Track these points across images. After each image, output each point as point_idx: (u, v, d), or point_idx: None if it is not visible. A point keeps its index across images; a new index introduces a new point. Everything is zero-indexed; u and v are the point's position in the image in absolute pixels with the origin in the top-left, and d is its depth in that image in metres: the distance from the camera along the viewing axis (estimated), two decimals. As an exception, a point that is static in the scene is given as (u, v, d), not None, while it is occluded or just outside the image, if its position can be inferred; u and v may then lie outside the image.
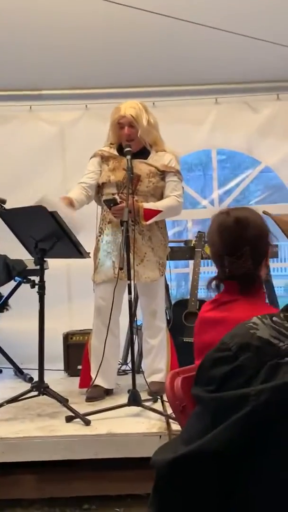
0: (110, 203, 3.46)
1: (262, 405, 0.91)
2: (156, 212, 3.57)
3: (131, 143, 3.56)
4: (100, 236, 3.72)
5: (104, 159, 3.71)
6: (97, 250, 3.72)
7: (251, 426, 0.91)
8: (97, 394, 3.60)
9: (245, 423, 0.91)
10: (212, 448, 0.92)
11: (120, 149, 3.68)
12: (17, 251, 3.86)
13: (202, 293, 4.27)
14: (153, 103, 4.66)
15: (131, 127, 3.56)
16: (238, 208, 1.95)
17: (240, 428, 0.91)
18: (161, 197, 3.67)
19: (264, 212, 1.85)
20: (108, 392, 3.67)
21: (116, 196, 3.50)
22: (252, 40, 4.19)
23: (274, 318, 1.05)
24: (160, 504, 1.00)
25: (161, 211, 3.59)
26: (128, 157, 3.46)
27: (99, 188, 3.72)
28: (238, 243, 1.85)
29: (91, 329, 4.34)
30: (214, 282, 1.95)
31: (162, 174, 3.65)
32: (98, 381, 3.62)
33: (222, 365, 0.99)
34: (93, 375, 3.64)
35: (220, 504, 0.95)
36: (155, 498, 1.00)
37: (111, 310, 3.51)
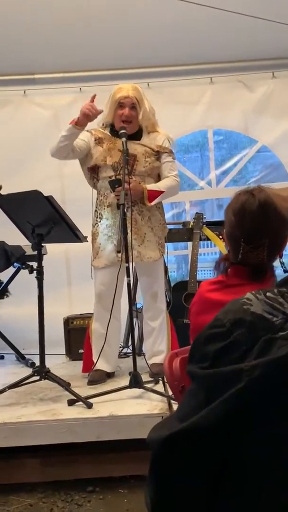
0: (115, 184, 3.44)
1: (256, 380, 0.91)
2: (159, 192, 3.58)
3: (128, 125, 3.51)
4: (99, 220, 3.68)
5: (98, 140, 3.65)
6: (96, 235, 3.69)
7: (245, 401, 0.91)
8: (98, 377, 3.61)
9: (239, 398, 0.91)
10: (206, 424, 0.92)
11: (112, 130, 3.64)
12: (15, 237, 3.84)
13: (200, 275, 4.27)
14: (148, 84, 4.64)
15: (132, 109, 3.53)
16: (263, 191, 1.74)
17: (234, 403, 0.91)
18: (157, 177, 3.66)
19: (259, 187, 1.79)
20: (109, 375, 3.69)
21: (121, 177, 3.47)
22: (246, 18, 4.14)
23: (268, 294, 1.04)
24: (157, 481, 1.00)
25: (164, 191, 3.59)
26: (124, 139, 3.43)
27: (94, 171, 3.68)
28: (258, 233, 1.71)
29: (91, 313, 4.35)
30: (222, 264, 1.84)
31: (157, 154, 3.63)
32: (100, 365, 3.63)
33: (216, 341, 0.99)
34: (94, 359, 3.65)
35: (216, 479, 0.95)
36: (152, 475, 1.00)
37: (114, 294, 3.47)
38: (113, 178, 3.50)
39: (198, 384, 1.00)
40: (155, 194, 3.56)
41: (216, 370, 0.96)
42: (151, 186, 3.57)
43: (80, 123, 3.44)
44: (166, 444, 0.96)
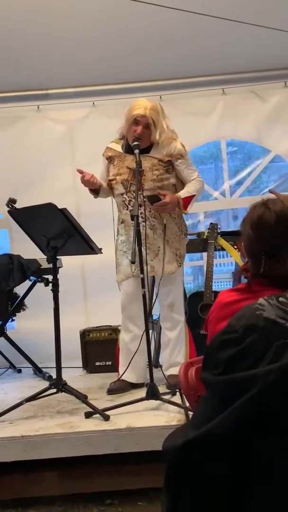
0: (153, 200, 3.49)
1: (270, 385, 0.90)
2: (191, 197, 3.64)
3: (139, 141, 3.53)
4: (117, 236, 3.76)
5: (109, 159, 3.73)
6: (115, 250, 3.77)
7: (260, 407, 0.91)
8: (118, 387, 3.62)
9: (253, 405, 0.90)
10: (220, 431, 0.92)
11: (125, 144, 3.67)
12: (31, 251, 3.88)
13: (216, 286, 4.25)
14: (160, 97, 4.65)
15: (146, 128, 3.54)
16: (277, 201, 1.70)
17: (248, 410, 0.91)
18: (170, 190, 3.66)
19: (271, 191, 1.76)
20: (136, 386, 3.67)
21: (159, 192, 3.53)
22: (257, 28, 4.15)
23: (280, 299, 1.04)
24: (172, 489, 0.99)
25: (195, 194, 3.66)
26: (137, 151, 3.44)
27: (109, 184, 3.73)
28: (277, 245, 1.66)
29: (108, 326, 4.39)
30: (242, 276, 1.80)
31: (167, 165, 3.63)
32: (124, 375, 3.65)
33: (229, 348, 0.98)
34: (120, 370, 3.68)
35: (232, 485, 0.94)
36: (168, 483, 1.00)
37: (133, 304, 3.59)
38: (152, 193, 3.54)
39: (211, 391, 1.00)
40: (188, 200, 3.62)
41: (229, 377, 0.95)
42: (183, 193, 3.62)
43: (93, 190, 3.68)
44: (181, 452, 0.96)
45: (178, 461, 0.97)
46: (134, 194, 3.34)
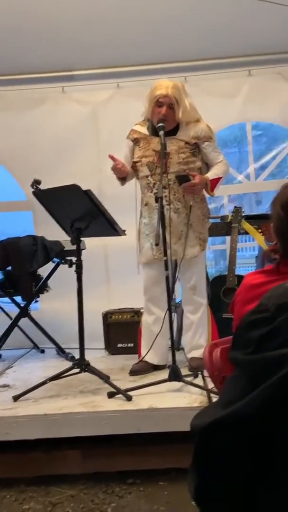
0: (182, 180, 3.48)
1: (301, 365, 0.89)
2: (218, 179, 3.63)
3: (165, 123, 3.50)
4: (140, 219, 3.75)
5: (135, 141, 3.71)
6: (139, 233, 3.76)
7: (290, 387, 0.90)
8: (140, 368, 3.65)
9: (283, 385, 0.90)
10: (248, 412, 0.91)
11: (150, 126, 3.64)
12: (54, 233, 3.89)
13: (238, 271, 4.23)
14: (185, 78, 4.60)
15: (170, 108, 3.51)
16: None
17: (278, 390, 0.90)
18: (197, 172, 3.63)
19: None
20: (158, 368, 3.68)
21: (188, 172, 3.51)
22: (283, 8, 4.07)
23: (312, 278, 1.02)
24: (200, 467, 1.00)
25: (221, 177, 3.66)
26: (161, 132, 3.42)
27: (134, 170, 3.71)
28: None
29: (130, 308, 4.40)
30: (269, 257, 1.84)
31: (194, 148, 3.60)
32: (146, 357, 3.67)
33: (260, 327, 0.98)
34: (142, 351, 3.69)
35: (262, 464, 0.94)
36: (195, 462, 1.00)
37: (155, 287, 3.60)
38: (182, 173, 3.52)
39: (241, 370, 0.99)
40: (215, 182, 3.61)
41: (260, 356, 0.95)
42: (211, 175, 3.60)
43: (120, 178, 3.67)
44: (208, 431, 0.96)
45: (205, 440, 0.97)
46: (159, 177, 3.32)
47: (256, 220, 4.33)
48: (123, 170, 3.57)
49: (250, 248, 5.76)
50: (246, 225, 4.29)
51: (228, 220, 4.36)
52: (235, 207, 4.38)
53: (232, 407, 0.95)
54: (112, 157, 3.53)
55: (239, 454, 0.96)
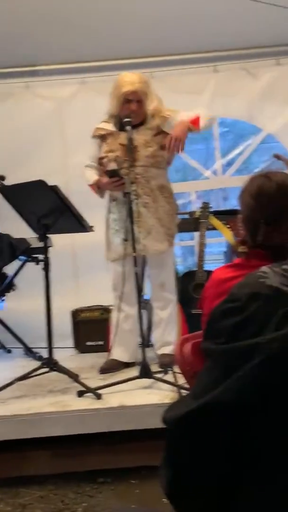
0: (112, 174, 3.43)
1: (275, 353, 0.87)
2: (197, 117, 3.51)
3: (133, 117, 3.47)
4: (108, 214, 3.70)
5: (101, 138, 3.66)
6: (107, 228, 3.70)
7: (264, 376, 0.88)
8: (110, 366, 3.61)
9: (258, 372, 0.88)
10: (224, 399, 0.89)
11: (117, 122, 3.61)
12: (20, 231, 3.83)
13: (207, 267, 4.23)
14: (151, 74, 4.56)
15: (139, 103, 3.49)
16: (277, 173, 1.78)
17: (253, 377, 0.88)
18: (163, 167, 3.61)
19: (275, 156, 1.78)
20: (128, 365, 3.66)
21: (115, 167, 3.45)
22: (249, 3, 4.08)
23: (284, 266, 1.01)
24: (174, 460, 0.97)
25: (199, 115, 3.54)
26: (129, 127, 3.39)
27: (100, 163, 3.67)
28: (278, 212, 1.71)
29: (100, 306, 4.37)
30: (242, 247, 1.85)
31: (161, 139, 3.57)
32: (116, 354, 3.63)
33: (232, 316, 0.96)
34: (112, 349, 3.67)
35: (236, 454, 0.92)
36: (169, 454, 0.97)
37: (123, 285, 3.52)
38: (113, 167, 3.47)
39: (214, 360, 0.97)
40: (195, 120, 3.50)
41: (233, 345, 0.92)
42: (184, 116, 3.51)
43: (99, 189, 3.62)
44: (183, 421, 0.93)
45: (180, 431, 0.95)
46: (127, 171, 3.29)
47: (224, 215, 4.34)
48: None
49: (218, 244, 5.77)
50: (214, 221, 4.29)
51: (196, 216, 4.35)
52: (203, 202, 4.38)
53: (206, 397, 0.93)
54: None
55: (214, 445, 0.94)
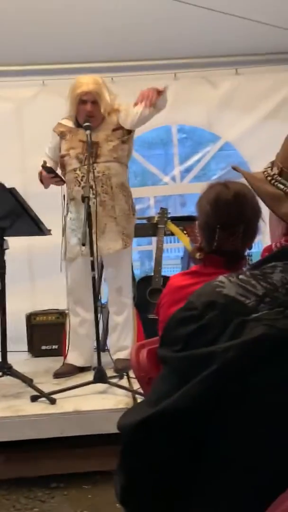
0: (47, 170, 3.50)
1: (230, 361, 0.89)
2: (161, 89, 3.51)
3: (92, 119, 3.51)
4: (66, 214, 3.70)
5: (61, 134, 3.68)
6: (64, 228, 3.69)
7: (220, 383, 0.89)
8: (64, 370, 3.60)
9: (213, 380, 0.89)
10: (181, 406, 0.90)
11: (76, 122, 3.63)
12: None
13: (164, 273, 4.26)
14: (112, 79, 4.58)
15: (94, 104, 3.52)
16: (235, 182, 1.83)
17: (209, 384, 0.89)
18: (125, 162, 3.64)
19: (233, 168, 1.79)
20: (84, 369, 3.64)
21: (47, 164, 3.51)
22: (210, 13, 4.13)
23: (240, 276, 1.02)
24: (129, 468, 0.97)
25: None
26: (88, 131, 3.42)
27: (62, 164, 3.66)
28: (234, 219, 1.78)
29: (55, 309, 4.33)
30: (198, 254, 1.88)
31: (122, 135, 3.61)
32: (71, 359, 3.61)
33: (188, 324, 0.97)
34: (68, 353, 3.65)
35: (191, 462, 0.93)
36: (124, 462, 0.98)
37: (81, 288, 3.54)
38: (50, 164, 3.55)
39: (169, 368, 0.98)
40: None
41: (189, 353, 0.93)
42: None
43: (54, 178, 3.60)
44: (139, 429, 0.94)
45: (135, 439, 0.95)
46: (87, 169, 3.30)
47: (181, 221, 4.38)
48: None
49: (176, 249, 5.82)
50: (172, 226, 4.33)
51: (154, 221, 4.39)
52: (161, 208, 4.42)
53: (162, 403, 0.93)
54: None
55: (169, 453, 0.95)
